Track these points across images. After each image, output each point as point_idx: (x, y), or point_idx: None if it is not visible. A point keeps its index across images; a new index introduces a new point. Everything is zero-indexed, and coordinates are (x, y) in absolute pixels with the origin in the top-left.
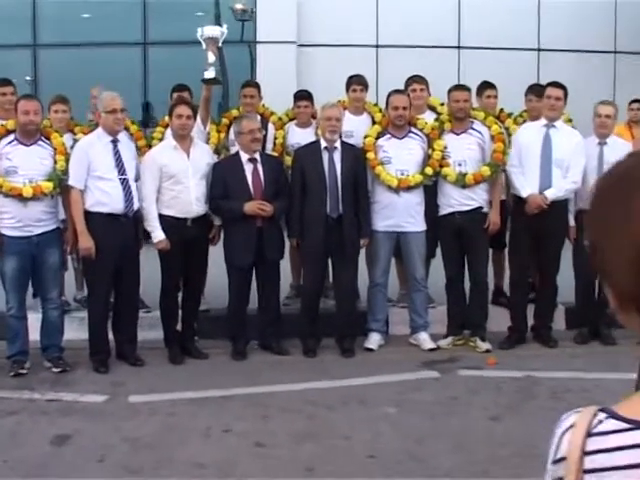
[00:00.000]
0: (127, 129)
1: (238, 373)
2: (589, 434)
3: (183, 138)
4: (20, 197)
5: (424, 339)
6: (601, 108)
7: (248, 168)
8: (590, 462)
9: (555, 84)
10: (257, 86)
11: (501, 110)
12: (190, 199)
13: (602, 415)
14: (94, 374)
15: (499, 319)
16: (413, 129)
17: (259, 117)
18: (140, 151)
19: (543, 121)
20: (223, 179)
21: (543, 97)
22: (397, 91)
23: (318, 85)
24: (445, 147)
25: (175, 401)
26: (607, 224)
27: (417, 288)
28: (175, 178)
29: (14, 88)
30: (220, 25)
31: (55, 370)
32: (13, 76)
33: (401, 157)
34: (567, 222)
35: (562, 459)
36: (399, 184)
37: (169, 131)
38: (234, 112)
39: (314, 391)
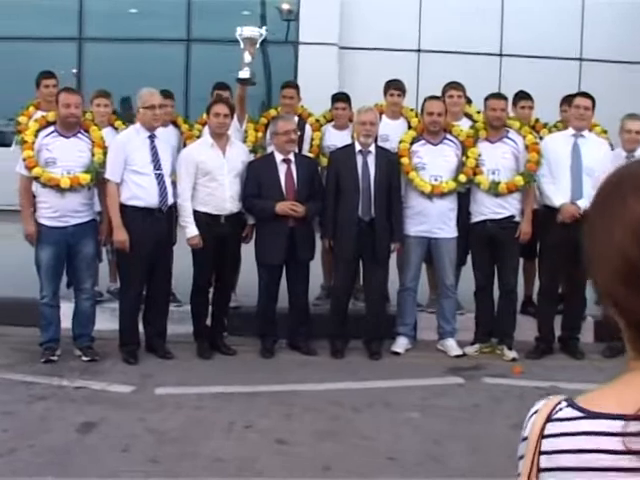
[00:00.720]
0: (177, 125)
1: (265, 371)
2: (549, 419)
3: (220, 136)
4: (58, 188)
5: (451, 345)
6: (630, 124)
7: (282, 168)
8: (545, 444)
9: (584, 94)
10: (296, 87)
11: (537, 120)
12: (225, 196)
13: (563, 404)
14: (123, 365)
15: (527, 328)
16: (448, 136)
17: (297, 118)
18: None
19: (571, 131)
20: (257, 178)
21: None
22: (432, 97)
23: (358, 88)
24: (479, 155)
25: (201, 395)
26: (595, 233)
27: (446, 294)
28: (210, 175)
29: (57, 81)
30: (264, 25)
31: (85, 359)
32: (58, 69)
33: (435, 163)
34: None
35: (525, 439)
36: (432, 190)
37: (207, 128)
38: (272, 112)
39: (339, 392)
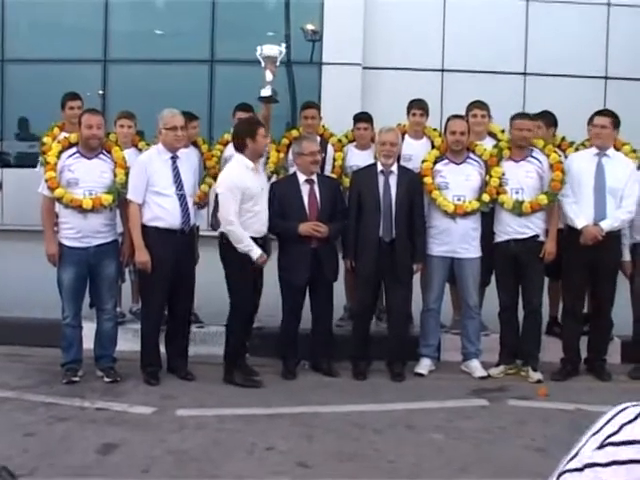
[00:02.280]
0: (198, 146)
1: (287, 392)
2: None
3: (259, 159)
4: (80, 209)
5: (475, 367)
6: None
7: (305, 189)
8: None
9: (602, 112)
10: (317, 107)
11: (562, 139)
12: (265, 219)
13: None
14: (144, 386)
15: (553, 349)
16: (471, 155)
17: (319, 138)
18: (208, 171)
19: (594, 150)
20: (280, 199)
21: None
22: (455, 116)
23: (382, 108)
24: (503, 174)
25: (222, 417)
26: None
27: (470, 315)
28: (255, 199)
29: (82, 102)
30: (286, 44)
31: (106, 380)
32: (83, 90)
33: (458, 183)
34: (620, 254)
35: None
36: (455, 210)
37: (229, 149)
38: (294, 133)
39: (361, 414)
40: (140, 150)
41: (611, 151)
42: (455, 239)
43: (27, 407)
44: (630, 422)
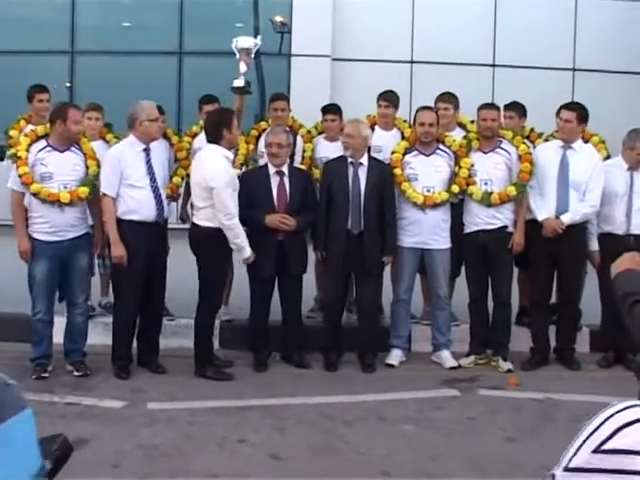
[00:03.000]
0: (168, 137)
1: (258, 384)
2: None
3: (232, 149)
4: (58, 203)
5: (446, 357)
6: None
7: (274, 180)
8: None
9: (569, 106)
10: (286, 99)
11: (532, 130)
12: None
13: None
14: (115, 380)
15: (523, 339)
16: (441, 146)
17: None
18: (180, 163)
19: (560, 142)
20: (248, 190)
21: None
22: (424, 107)
23: (351, 99)
24: (472, 165)
25: (193, 410)
26: None
27: (440, 306)
28: (237, 190)
29: (50, 95)
30: (256, 37)
31: (76, 374)
32: (50, 82)
33: (428, 174)
34: (586, 246)
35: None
36: (425, 201)
37: (198, 142)
38: (263, 124)
39: (332, 405)
40: (108, 142)
41: (578, 144)
42: (425, 230)
43: None
44: (627, 426)
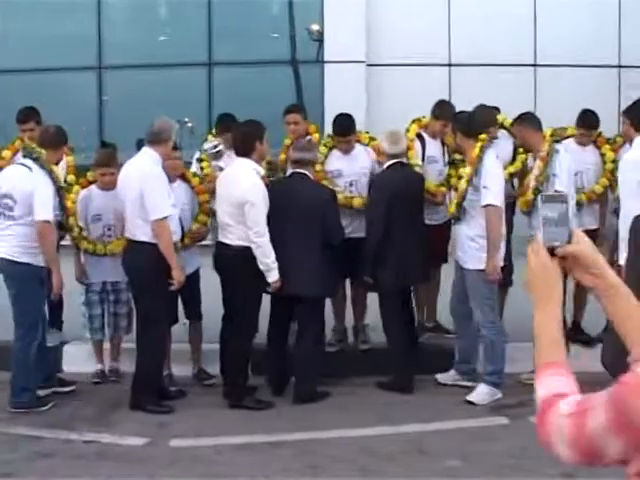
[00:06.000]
0: (187, 180)
1: (289, 417)
2: None
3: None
4: None
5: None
6: None
7: None
8: None
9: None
10: (299, 111)
11: (599, 134)
12: None
13: None
14: (136, 413)
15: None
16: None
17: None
18: (201, 207)
19: None
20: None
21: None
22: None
23: (390, 106)
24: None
25: (219, 447)
26: None
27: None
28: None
29: (36, 121)
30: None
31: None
32: (77, 98)
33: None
34: None
35: None
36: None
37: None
38: (287, 141)
39: (370, 438)
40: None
41: None
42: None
43: (6, 441)
44: None
